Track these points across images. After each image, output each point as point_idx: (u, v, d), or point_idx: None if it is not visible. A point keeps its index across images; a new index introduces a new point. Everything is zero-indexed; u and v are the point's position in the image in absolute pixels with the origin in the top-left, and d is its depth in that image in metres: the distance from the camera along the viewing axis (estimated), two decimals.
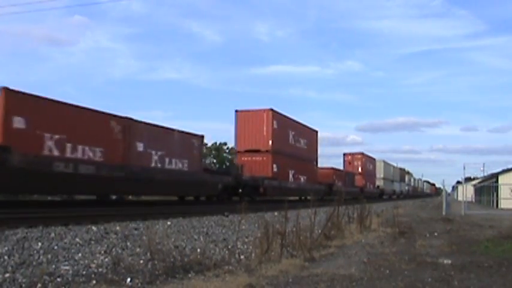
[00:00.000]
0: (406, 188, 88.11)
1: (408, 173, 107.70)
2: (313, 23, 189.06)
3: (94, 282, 5.11)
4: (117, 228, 9.79)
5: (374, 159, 59.56)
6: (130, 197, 20.53)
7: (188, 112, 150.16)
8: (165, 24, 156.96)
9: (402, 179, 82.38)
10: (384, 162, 64.16)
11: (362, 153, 53.86)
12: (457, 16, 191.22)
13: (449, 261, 7.22)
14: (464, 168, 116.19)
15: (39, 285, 4.87)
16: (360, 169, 51.28)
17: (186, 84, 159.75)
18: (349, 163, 51.62)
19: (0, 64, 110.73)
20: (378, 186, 59.16)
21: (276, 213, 12.78)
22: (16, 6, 78.26)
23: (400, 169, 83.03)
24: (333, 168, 41.68)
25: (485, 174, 71.37)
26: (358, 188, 45.18)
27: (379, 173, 60.70)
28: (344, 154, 53.34)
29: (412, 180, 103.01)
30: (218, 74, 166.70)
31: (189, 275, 5.69)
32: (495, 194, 35.18)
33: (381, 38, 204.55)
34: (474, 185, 55.43)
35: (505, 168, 39.56)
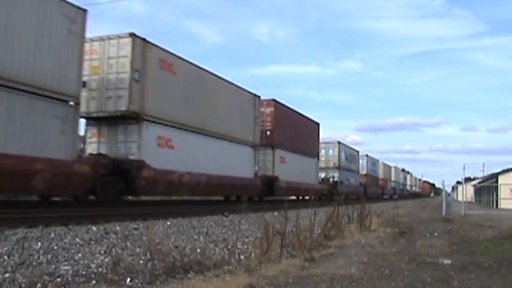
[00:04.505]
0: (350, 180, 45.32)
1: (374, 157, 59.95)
2: (314, 23, 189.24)
3: (94, 282, 5.11)
4: (117, 228, 9.78)
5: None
6: (130, 197, 20.66)
7: None
8: (165, 24, 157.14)
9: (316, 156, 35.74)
10: (276, 102, 27.74)
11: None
12: (458, 16, 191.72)
13: (449, 262, 7.22)
14: (464, 168, 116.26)
15: (39, 285, 4.87)
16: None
17: None
18: None
19: None
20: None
21: (275, 213, 12.77)
22: None
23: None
24: None
25: (485, 174, 71.28)
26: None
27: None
28: None
29: (365, 164, 55.24)
30: (219, 73, 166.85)
31: (189, 275, 5.69)
32: (495, 194, 35.17)
33: (381, 39, 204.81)
34: (474, 185, 55.38)
35: (505, 168, 39.55)
